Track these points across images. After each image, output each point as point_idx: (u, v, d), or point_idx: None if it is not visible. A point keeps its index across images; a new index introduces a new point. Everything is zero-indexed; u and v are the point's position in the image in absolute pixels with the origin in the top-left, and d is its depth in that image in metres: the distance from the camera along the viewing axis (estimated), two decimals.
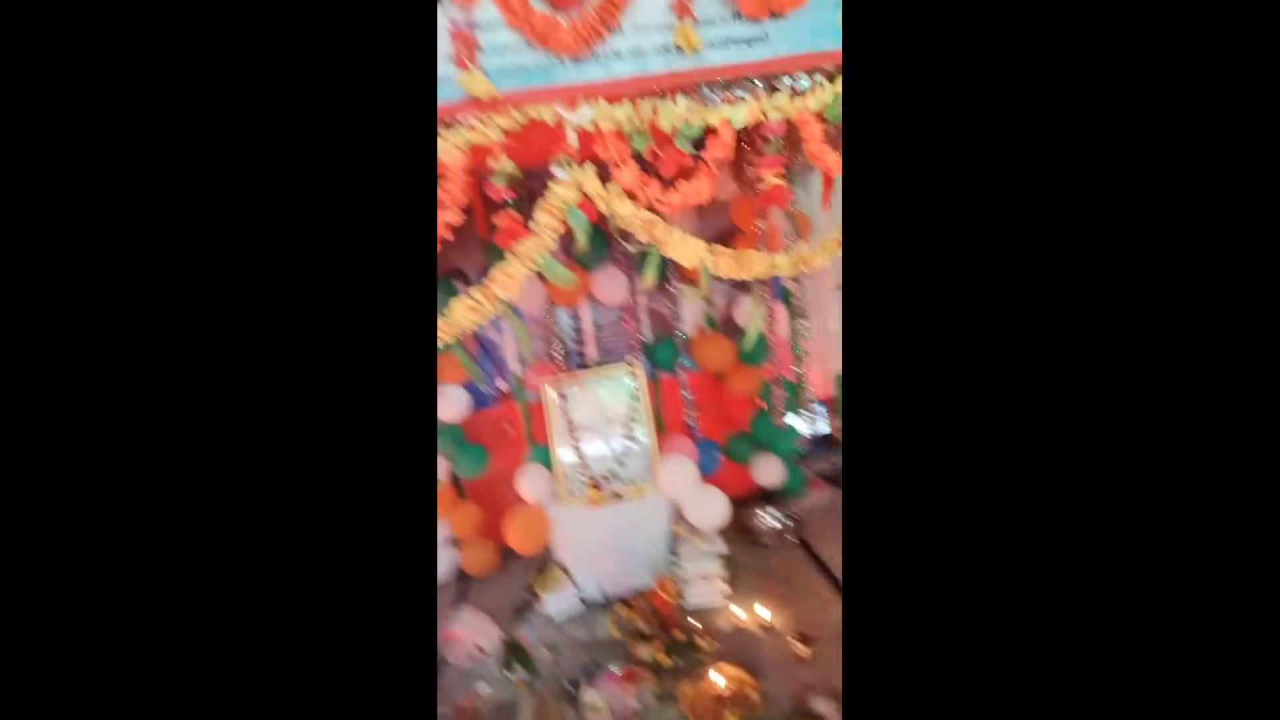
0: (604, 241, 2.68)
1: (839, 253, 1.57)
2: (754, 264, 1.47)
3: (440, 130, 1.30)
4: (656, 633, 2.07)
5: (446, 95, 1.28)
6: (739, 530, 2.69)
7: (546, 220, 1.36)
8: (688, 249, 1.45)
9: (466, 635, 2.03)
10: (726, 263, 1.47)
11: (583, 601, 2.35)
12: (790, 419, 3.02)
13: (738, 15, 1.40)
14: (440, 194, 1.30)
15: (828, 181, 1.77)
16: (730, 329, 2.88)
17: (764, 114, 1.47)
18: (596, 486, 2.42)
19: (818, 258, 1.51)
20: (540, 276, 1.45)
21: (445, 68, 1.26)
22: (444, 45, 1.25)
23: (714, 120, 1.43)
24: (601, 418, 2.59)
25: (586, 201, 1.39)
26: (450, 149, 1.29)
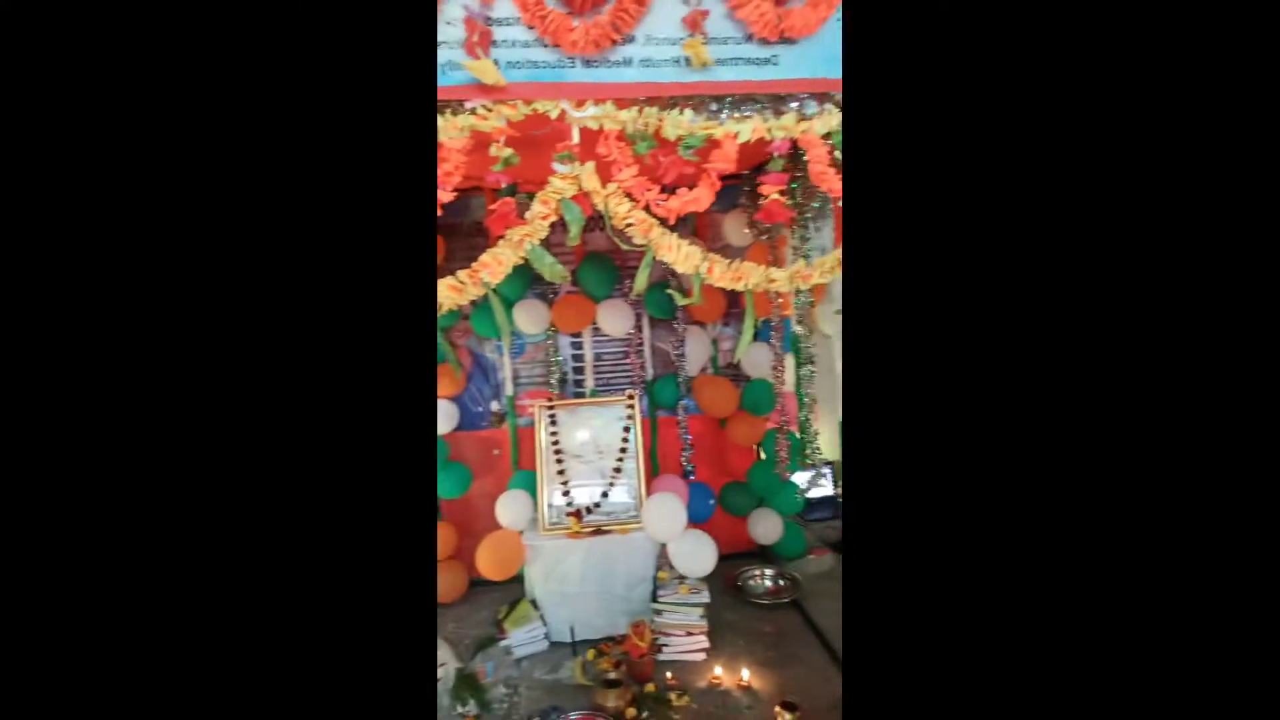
0: (612, 274, 2.70)
1: (839, 273, 1.53)
2: (749, 274, 1.44)
3: (443, 111, 1.33)
4: (626, 681, 1.87)
5: (453, 79, 1.32)
6: (728, 586, 2.50)
7: (540, 210, 1.36)
8: (683, 254, 1.43)
9: None
10: (721, 270, 1.43)
11: (549, 640, 2.16)
12: (794, 476, 2.88)
13: (749, 37, 1.45)
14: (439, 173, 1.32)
15: (837, 210, 1.76)
16: (738, 375, 2.81)
17: (769, 132, 1.48)
18: (578, 517, 2.29)
19: (815, 274, 1.47)
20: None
21: (454, 52, 1.31)
22: (456, 31, 1.30)
23: (719, 134, 1.45)
24: (593, 448, 2.50)
25: (583, 196, 1.39)
26: (451, 130, 1.31)
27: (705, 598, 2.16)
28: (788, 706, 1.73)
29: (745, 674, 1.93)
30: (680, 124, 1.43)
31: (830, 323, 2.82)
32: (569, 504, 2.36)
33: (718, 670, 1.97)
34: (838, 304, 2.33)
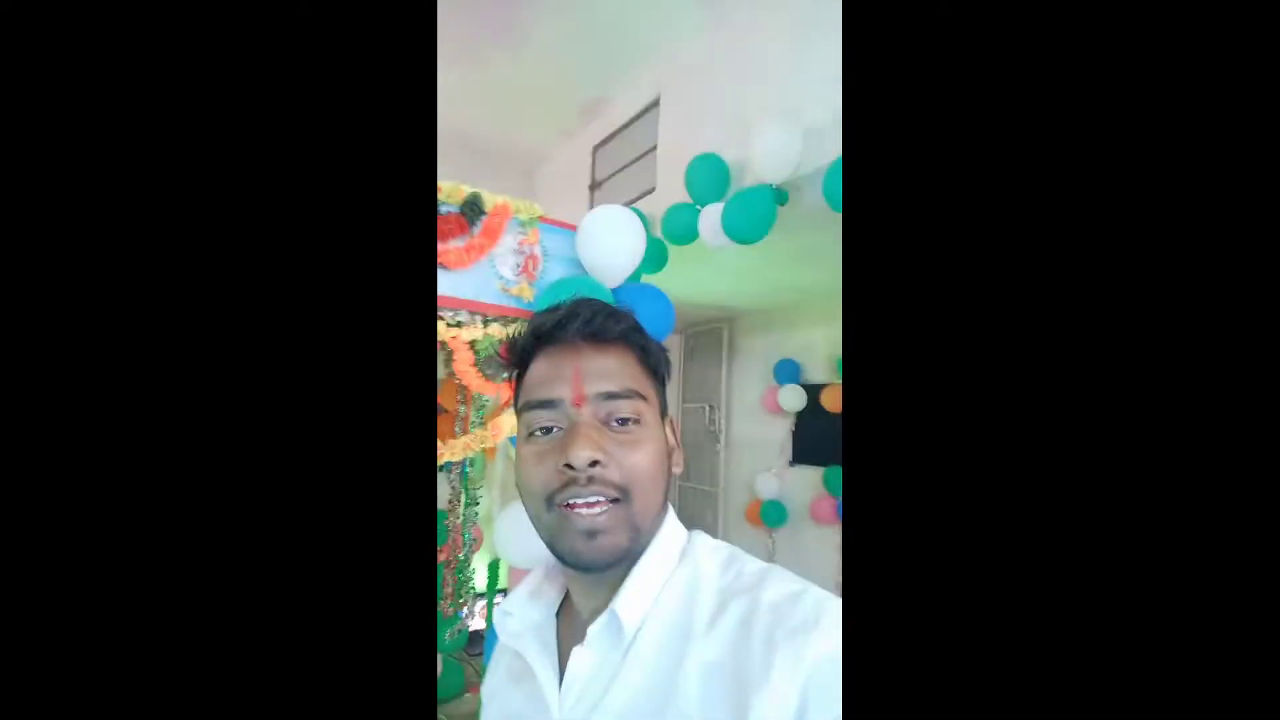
0: None
1: (487, 445, 1.89)
2: None
3: None
4: None
5: None
6: None
7: None
8: None
9: None
10: None
11: None
12: (461, 612, 2.97)
13: None
14: None
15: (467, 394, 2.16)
16: None
17: None
18: None
19: (476, 445, 1.80)
20: None
21: None
22: None
23: None
24: None
25: None
26: None
27: None
28: None
29: None
30: None
31: (500, 470, 3.19)
32: None
33: None
34: (509, 453, 2.69)
